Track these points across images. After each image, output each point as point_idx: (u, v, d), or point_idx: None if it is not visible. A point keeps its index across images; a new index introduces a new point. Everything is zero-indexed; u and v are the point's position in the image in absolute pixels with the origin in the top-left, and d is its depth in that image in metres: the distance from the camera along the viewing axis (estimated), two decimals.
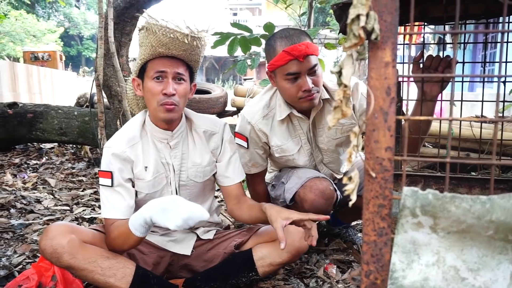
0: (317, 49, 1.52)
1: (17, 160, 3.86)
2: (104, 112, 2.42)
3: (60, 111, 3.48)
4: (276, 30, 2.45)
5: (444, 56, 1.37)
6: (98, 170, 1.39)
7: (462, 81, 1.41)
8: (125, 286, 1.31)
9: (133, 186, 1.40)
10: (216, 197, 1.85)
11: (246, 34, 2.56)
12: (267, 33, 2.51)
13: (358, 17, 0.56)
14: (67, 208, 2.46)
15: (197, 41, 1.32)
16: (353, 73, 0.60)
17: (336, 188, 1.69)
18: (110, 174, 1.36)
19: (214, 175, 1.53)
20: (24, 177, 3.20)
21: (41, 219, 2.25)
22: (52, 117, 3.45)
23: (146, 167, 1.40)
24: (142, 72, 1.37)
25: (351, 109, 0.58)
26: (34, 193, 2.76)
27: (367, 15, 0.58)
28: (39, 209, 2.42)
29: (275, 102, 1.68)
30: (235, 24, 2.52)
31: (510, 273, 0.57)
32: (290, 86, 1.52)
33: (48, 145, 4.55)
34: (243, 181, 1.57)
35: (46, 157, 4.03)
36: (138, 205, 1.35)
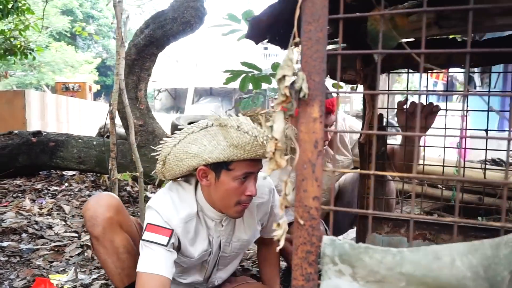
0: None
1: (39, 186, 4.03)
2: (116, 144, 2.53)
3: (80, 140, 3.64)
4: None
5: (428, 103, 1.40)
6: (148, 223, 1.26)
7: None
8: (121, 285, 1.38)
9: None
10: None
11: (256, 72, 2.65)
12: (275, 72, 2.59)
13: (284, 77, 0.62)
14: (76, 235, 2.55)
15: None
16: (284, 128, 0.65)
17: (327, 228, 1.71)
18: (170, 232, 1.25)
19: None
20: (42, 203, 3.34)
21: (49, 244, 2.34)
22: (72, 146, 3.62)
23: (194, 245, 1.34)
24: (218, 165, 1.24)
25: (284, 160, 0.63)
26: (47, 219, 2.87)
27: (296, 75, 0.63)
28: (49, 235, 2.52)
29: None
30: (245, 63, 2.62)
31: None
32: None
33: (70, 172, 4.73)
34: None
35: (67, 184, 4.19)
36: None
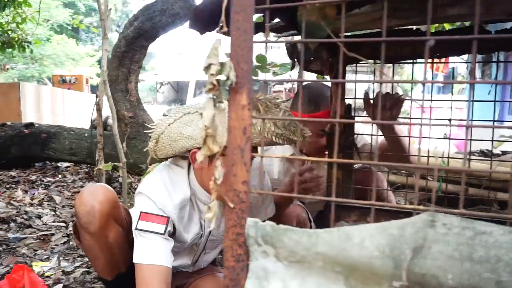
0: None
1: (33, 177, 4.07)
2: (103, 135, 2.56)
3: (71, 132, 3.68)
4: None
5: (394, 93, 1.42)
6: (141, 212, 1.21)
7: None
8: (109, 277, 1.38)
9: None
10: None
11: None
12: (259, 64, 2.61)
13: (210, 66, 0.64)
14: (63, 224, 2.59)
15: None
16: (213, 115, 0.67)
17: (311, 218, 1.73)
18: (166, 220, 1.20)
19: None
20: (34, 194, 3.38)
21: (37, 234, 2.39)
22: (64, 138, 3.66)
23: (188, 230, 1.32)
24: None
25: (217, 146, 0.66)
26: (37, 209, 2.92)
27: (223, 64, 0.65)
28: (37, 224, 2.56)
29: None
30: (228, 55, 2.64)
31: None
32: None
33: (65, 164, 4.77)
34: None
35: (61, 176, 4.24)
36: None
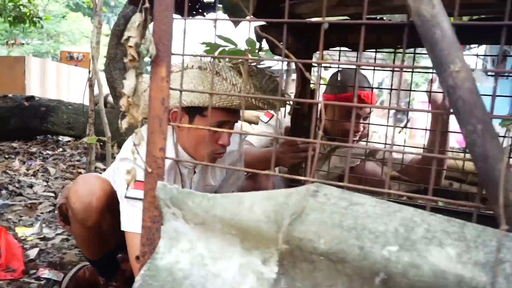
0: None
1: (34, 149, 4.18)
2: (94, 110, 2.64)
3: (70, 107, 3.77)
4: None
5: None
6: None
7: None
8: (96, 258, 1.40)
9: None
10: None
11: (232, 46, 2.70)
12: (250, 48, 2.64)
13: (128, 38, 0.69)
14: (53, 195, 2.68)
15: None
16: (135, 85, 0.72)
17: None
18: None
19: None
20: (30, 164, 3.49)
21: (26, 202, 2.48)
22: (62, 112, 3.75)
23: None
24: (192, 110, 1.20)
25: (140, 115, 0.70)
26: (31, 179, 3.02)
27: (144, 38, 0.70)
28: (27, 193, 2.66)
29: None
30: (221, 37, 2.67)
31: (239, 264, 0.67)
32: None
33: (66, 138, 4.88)
34: None
35: (61, 149, 4.34)
36: None
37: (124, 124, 0.73)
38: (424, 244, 0.53)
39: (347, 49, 1.52)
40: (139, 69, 0.71)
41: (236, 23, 1.00)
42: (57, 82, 6.86)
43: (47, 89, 6.38)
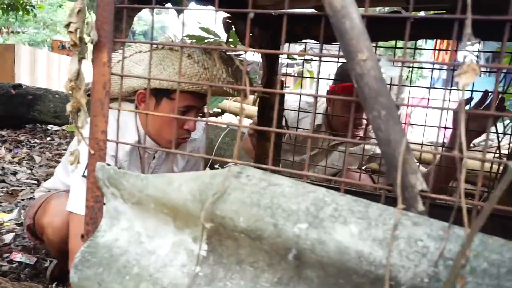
0: None
1: (22, 138, 4.21)
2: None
3: (57, 95, 3.79)
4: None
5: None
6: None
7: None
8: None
9: None
10: None
11: (215, 38, 2.72)
12: (232, 40, 2.66)
13: (69, 24, 0.71)
14: (36, 182, 2.71)
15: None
16: (78, 69, 0.75)
17: None
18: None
19: None
20: (17, 152, 3.51)
21: (8, 188, 2.51)
22: (49, 101, 3.77)
23: None
24: (159, 92, 1.18)
25: (85, 98, 0.73)
26: (15, 166, 3.04)
27: (86, 24, 0.73)
28: (10, 180, 2.68)
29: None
30: (203, 29, 2.70)
31: (172, 242, 0.70)
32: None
33: (55, 128, 4.90)
34: None
35: (49, 138, 4.36)
36: None
37: (68, 107, 0.76)
38: (331, 222, 0.56)
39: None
40: (81, 53, 0.74)
41: (179, 12, 1.02)
42: (47, 71, 6.88)
43: (37, 78, 6.39)
